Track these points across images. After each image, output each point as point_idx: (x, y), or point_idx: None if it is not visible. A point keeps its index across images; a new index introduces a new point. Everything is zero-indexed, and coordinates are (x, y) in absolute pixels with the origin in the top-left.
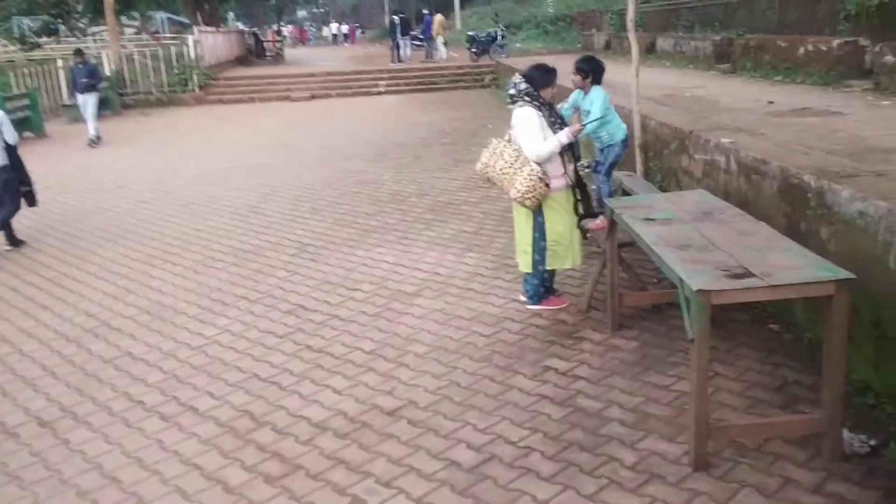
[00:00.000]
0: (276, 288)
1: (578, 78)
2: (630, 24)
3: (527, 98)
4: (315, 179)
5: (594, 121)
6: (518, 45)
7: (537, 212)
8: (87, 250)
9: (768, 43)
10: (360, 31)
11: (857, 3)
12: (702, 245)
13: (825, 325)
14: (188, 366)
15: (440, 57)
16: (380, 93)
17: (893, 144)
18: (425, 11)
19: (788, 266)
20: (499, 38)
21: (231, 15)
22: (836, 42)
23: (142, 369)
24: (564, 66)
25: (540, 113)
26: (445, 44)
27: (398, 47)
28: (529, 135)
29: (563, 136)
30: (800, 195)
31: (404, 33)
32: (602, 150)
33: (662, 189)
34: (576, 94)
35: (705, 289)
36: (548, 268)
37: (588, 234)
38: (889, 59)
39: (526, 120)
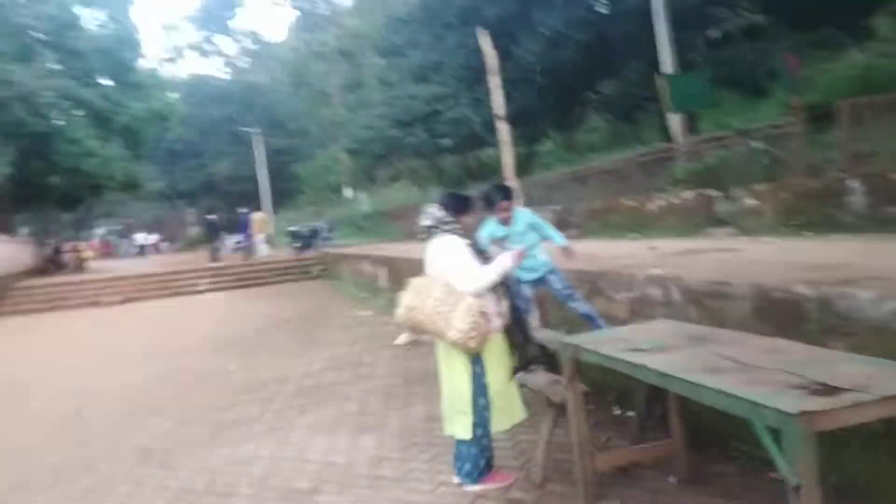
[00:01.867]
0: None
1: (507, 204)
2: (508, 172)
3: (445, 227)
4: (145, 379)
5: (529, 243)
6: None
7: (475, 361)
8: None
9: (615, 204)
10: (164, 242)
11: (684, 168)
12: (737, 368)
13: None
14: None
15: (260, 254)
16: (200, 292)
17: (835, 262)
18: (243, 210)
19: (870, 375)
20: (324, 231)
21: (26, 229)
22: (689, 194)
23: None
24: (391, 251)
25: (464, 241)
26: (268, 242)
27: (217, 247)
28: (463, 262)
29: (508, 259)
30: (791, 310)
31: (231, 231)
32: (540, 280)
33: None
34: (491, 227)
35: (808, 410)
36: (494, 430)
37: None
38: (750, 202)
39: (453, 248)
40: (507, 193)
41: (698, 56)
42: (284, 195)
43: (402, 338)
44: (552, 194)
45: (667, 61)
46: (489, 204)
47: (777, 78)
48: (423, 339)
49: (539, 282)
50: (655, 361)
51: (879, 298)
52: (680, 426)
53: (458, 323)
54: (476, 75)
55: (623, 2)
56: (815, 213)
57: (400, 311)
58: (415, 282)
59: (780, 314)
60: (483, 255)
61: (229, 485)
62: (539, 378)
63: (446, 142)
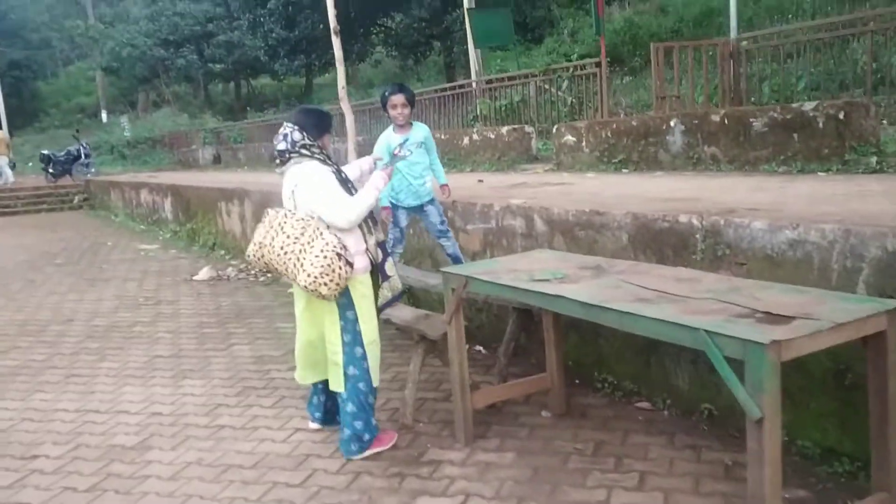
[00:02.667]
0: None
1: (409, 110)
2: (342, 93)
3: (304, 151)
4: None
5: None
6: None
7: (346, 305)
8: None
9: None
10: None
11: (488, 105)
12: (663, 297)
13: (871, 371)
14: None
15: (6, 180)
16: None
17: (684, 195)
18: None
19: (803, 303)
20: (82, 156)
21: None
22: (505, 129)
23: None
24: (174, 179)
25: (330, 168)
26: (13, 166)
27: None
28: (329, 193)
29: (379, 180)
30: (674, 240)
31: None
32: (421, 207)
33: None
34: (387, 137)
35: (778, 339)
36: (375, 383)
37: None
38: (569, 139)
39: (317, 176)
40: (402, 89)
41: None
42: (23, 116)
43: (204, 272)
44: (340, 126)
45: None
46: (383, 103)
47: (551, 27)
48: (227, 273)
49: (416, 210)
50: (573, 292)
51: (774, 228)
52: (556, 360)
53: (308, 266)
54: None
55: None
56: (633, 151)
57: (249, 250)
58: (270, 213)
59: (663, 244)
60: (348, 185)
61: (29, 445)
62: (404, 313)
63: (218, 66)
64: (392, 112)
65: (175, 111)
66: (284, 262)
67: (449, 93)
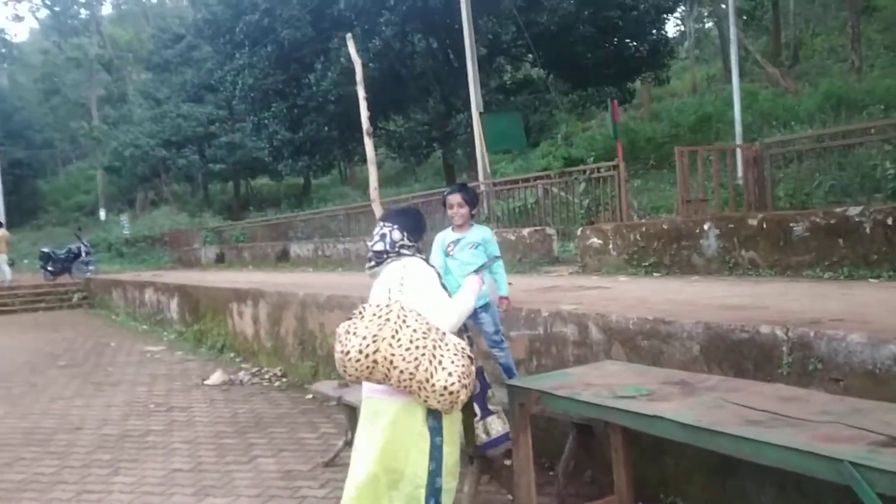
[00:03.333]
0: None
1: (466, 210)
2: (374, 193)
3: (405, 252)
4: None
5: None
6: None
7: (436, 429)
8: None
9: None
10: None
11: (501, 207)
12: (777, 420)
13: None
14: None
15: (3, 278)
16: None
17: (743, 302)
18: None
19: None
20: (83, 254)
21: None
22: (526, 231)
23: None
24: (181, 278)
25: (432, 268)
26: (12, 263)
27: None
28: (433, 293)
29: (475, 283)
30: (755, 352)
31: None
32: (475, 313)
33: None
34: (443, 237)
35: None
36: None
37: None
38: (595, 241)
39: (424, 274)
40: (461, 189)
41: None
42: (21, 213)
43: (215, 377)
44: (350, 226)
45: (476, 101)
46: (443, 203)
47: (549, 131)
48: (239, 377)
49: (470, 316)
50: (674, 412)
51: (876, 341)
52: (626, 482)
53: (449, 364)
54: (265, 98)
55: (424, 39)
56: (664, 255)
57: (353, 344)
58: (371, 308)
59: (742, 357)
60: (445, 289)
61: None
62: None
63: (219, 167)
64: (449, 212)
65: (174, 210)
66: (416, 359)
67: None
